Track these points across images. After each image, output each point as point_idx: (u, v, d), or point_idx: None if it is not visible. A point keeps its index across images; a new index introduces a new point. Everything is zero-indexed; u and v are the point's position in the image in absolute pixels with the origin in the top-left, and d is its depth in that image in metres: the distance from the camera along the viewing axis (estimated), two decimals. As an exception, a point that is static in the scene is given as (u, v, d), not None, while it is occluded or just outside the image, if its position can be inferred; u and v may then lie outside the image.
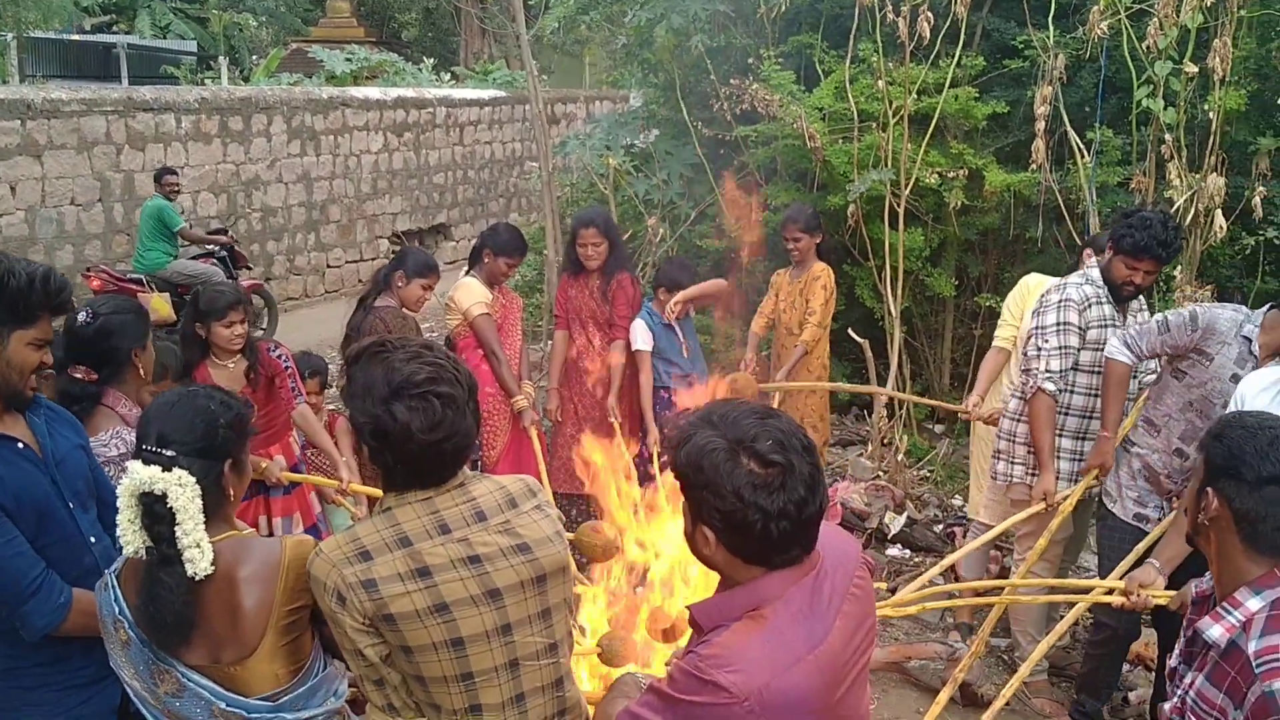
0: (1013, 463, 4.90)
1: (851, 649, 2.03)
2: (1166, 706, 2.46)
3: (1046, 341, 4.62)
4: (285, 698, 2.44)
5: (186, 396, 2.50)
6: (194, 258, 10.25)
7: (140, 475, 2.32)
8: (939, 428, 8.09)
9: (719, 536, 1.95)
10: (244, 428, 2.53)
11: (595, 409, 5.95)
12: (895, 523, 6.46)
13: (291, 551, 2.40)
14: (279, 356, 4.82)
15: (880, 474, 7.17)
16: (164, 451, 2.35)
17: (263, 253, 12.65)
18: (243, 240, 11.94)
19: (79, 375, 3.32)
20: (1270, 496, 2.22)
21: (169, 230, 9.79)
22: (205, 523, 2.34)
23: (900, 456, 7.11)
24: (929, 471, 7.37)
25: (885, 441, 7.34)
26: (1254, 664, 2.14)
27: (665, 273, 6.02)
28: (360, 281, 14.12)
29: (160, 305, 9.33)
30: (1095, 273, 4.67)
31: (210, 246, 10.47)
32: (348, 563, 2.16)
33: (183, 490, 2.31)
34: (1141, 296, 4.80)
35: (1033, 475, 4.78)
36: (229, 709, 2.39)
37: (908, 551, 6.38)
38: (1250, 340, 4.10)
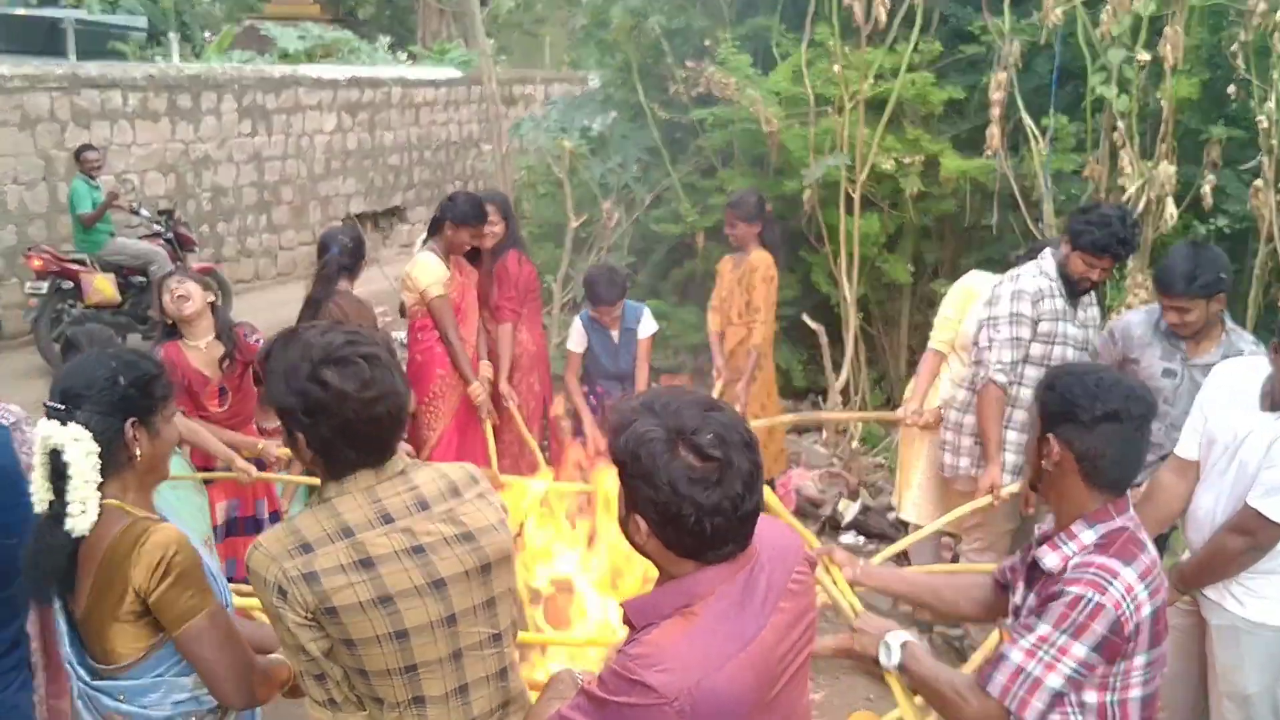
0: (959, 454, 4.89)
1: (787, 645, 2.01)
2: (1007, 621, 2.68)
3: (999, 332, 4.58)
4: (104, 681, 2.43)
5: (95, 356, 2.52)
6: (141, 238, 10.05)
7: (42, 430, 2.36)
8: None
9: (652, 527, 1.92)
10: (153, 389, 2.50)
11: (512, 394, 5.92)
12: (849, 510, 6.47)
13: (113, 540, 2.37)
14: (256, 341, 4.76)
15: (835, 461, 7.18)
16: (61, 406, 2.38)
17: (213, 234, 12.46)
18: (192, 221, 11.74)
19: None
20: (1105, 433, 2.45)
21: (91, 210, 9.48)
22: (103, 481, 2.38)
23: (855, 444, 7.12)
24: (883, 458, 7.36)
25: (840, 429, 7.34)
26: (1067, 572, 2.44)
27: (590, 289, 5.81)
28: (313, 264, 13.92)
29: (104, 286, 9.17)
30: (1049, 264, 4.63)
31: (156, 227, 10.26)
32: (288, 555, 2.09)
33: (77, 445, 2.33)
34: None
35: (978, 467, 4.78)
36: (67, 654, 2.47)
37: (862, 538, 6.39)
38: (1172, 334, 4.17)
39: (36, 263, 9.12)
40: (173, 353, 4.60)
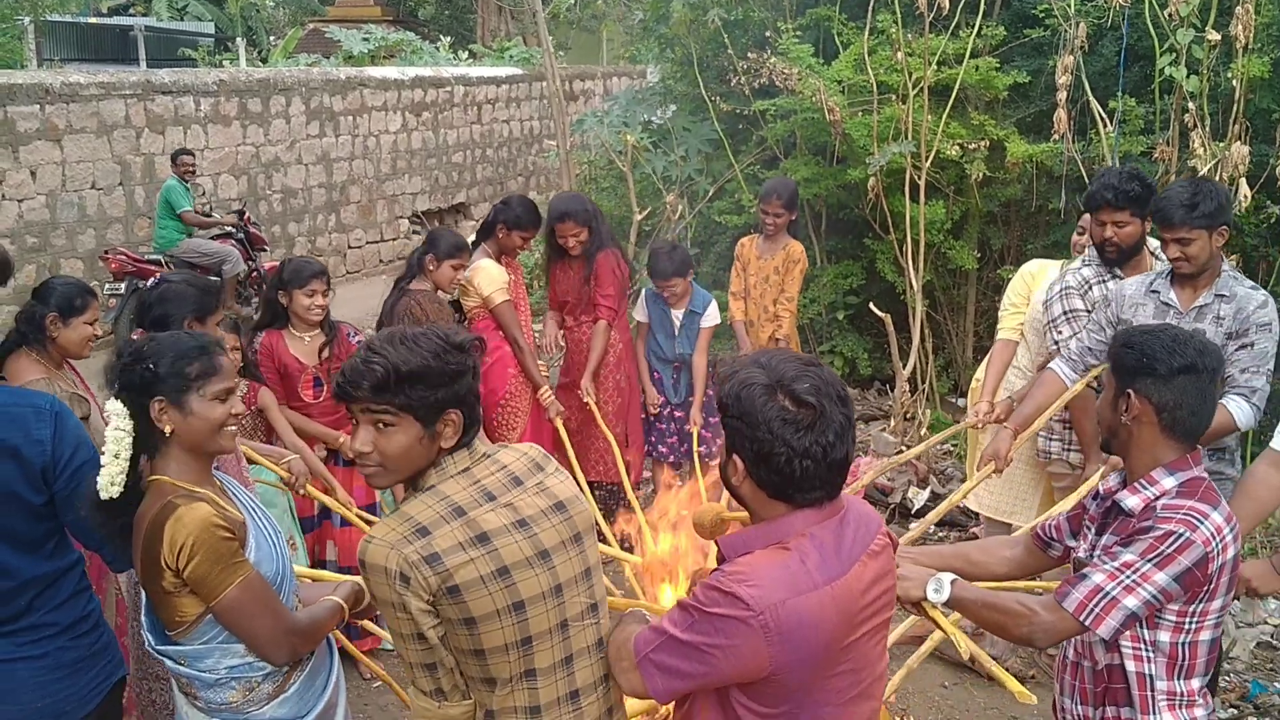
0: (1050, 438, 4.83)
1: (869, 598, 2.15)
2: (1081, 555, 2.79)
3: (1060, 333, 4.58)
4: (167, 646, 2.56)
5: (142, 340, 2.68)
6: (214, 238, 10.29)
7: (108, 407, 2.55)
8: (962, 401, 8.06)
9: (747, 468, 2.10)
10: (184, 369, 2.58)
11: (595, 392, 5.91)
12: (919, 498, 6.46)
13: (151, 518, 2.46)
14: (357, 342, 4.87)
15: (903, 449, 7.15)
16: (115, 386, 2.56)
17: (284, 234, 12.68)
18: (264, 222, 11.98)
19: None
20: (1182, 385, 2.58)
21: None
22: (149, 457, 2.54)
23: (923, 431, 7.09)
24: (953, 446, 7.34)
25: (908, 416, 7.32)
26: (1157, 511, 2.55)
27: (651, 261, 5.91)
28: (381, 262, 14.18)
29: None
30: (1092, 251, 4.61)
31: (227, 227, 10.51)
32: (406, 541, 2.17)
33: (114, 418, 2.51)
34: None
35: (1069, 450, 4.74)
36: (143, 620, 2.63)
37: (931, 526, 6.36)
38: (1158, 292, 4.08)
39: (113, 264, 9.40)
40: (272, 339, 4.75)
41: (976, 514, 5.87)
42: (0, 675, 2.75)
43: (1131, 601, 2.47)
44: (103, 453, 2.49)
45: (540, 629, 2.26)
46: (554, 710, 2.30)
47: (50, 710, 2.79)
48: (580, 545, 2.36)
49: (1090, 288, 4.55)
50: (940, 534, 6.26)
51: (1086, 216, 4.96)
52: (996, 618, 2.62)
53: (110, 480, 2.47)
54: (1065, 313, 4.58)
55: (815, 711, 2.12)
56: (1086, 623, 2.50)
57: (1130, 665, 2.59)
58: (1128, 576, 2.48)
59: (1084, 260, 4.65)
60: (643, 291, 6.11)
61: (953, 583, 2.62)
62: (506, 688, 2.26)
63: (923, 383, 7.53)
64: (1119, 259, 4.51)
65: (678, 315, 5.93)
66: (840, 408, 2.07)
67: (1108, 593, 2.49)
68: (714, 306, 5.98)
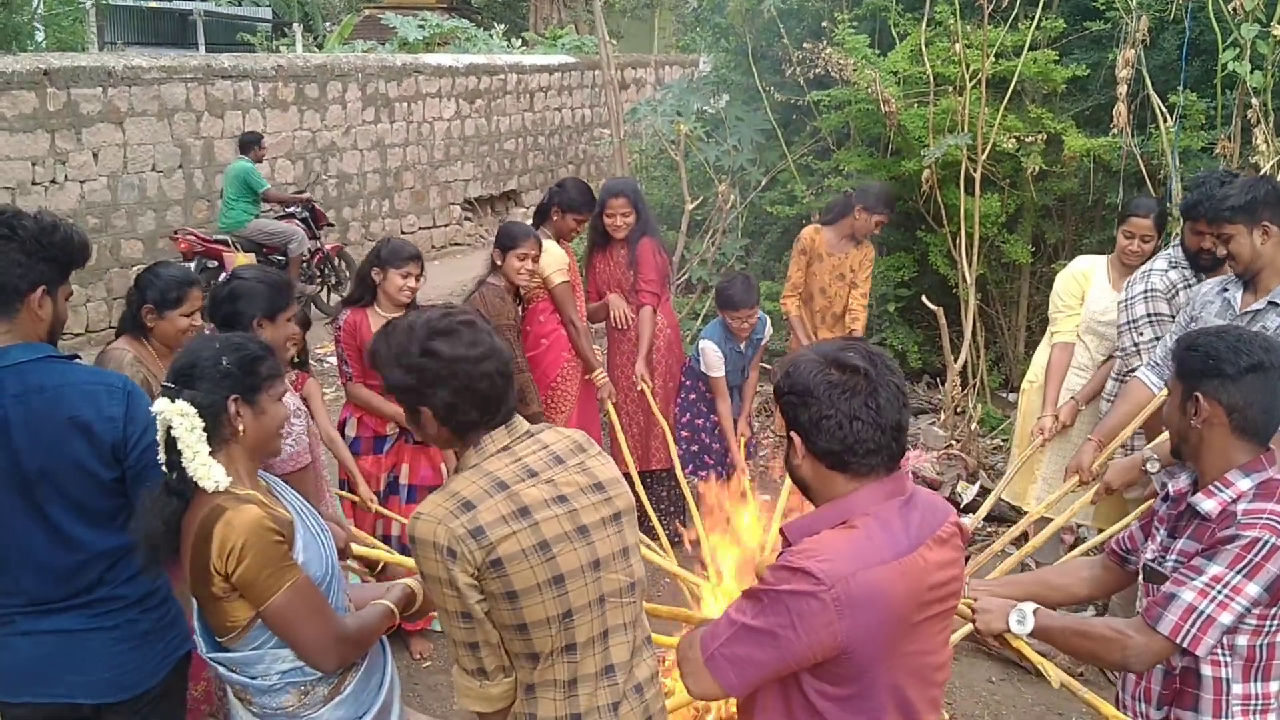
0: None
1: (936, 580, 2.16)
2: (1149, 557, 2.75)
3: (1141, 336, 4.49)
4: (219, 653, 2.57)
5: (202, 340, 2.69)
6: (277, 218, 10.46)
7: (155, 407, 2.50)
8: (1013, 396, 8.02)
9: (805, 443, 2.15)
10: (257, 368, 2.61)
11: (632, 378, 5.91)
12: (968, 492, 6.43)
13: (200, 521, 2.45)
14: None
15: (953, 443, 7.12)
16: (172, 385, 2.52)
17: (339, 219, 12.79)
18: (319, 207, 12.13)
19: None
20: (1251, 384, 2.53)
21: (253, 191, 10.07)
22: (211, 451, 2.49)
23: (973, 425, 7.05)
24: (1002, 440, 7.30)
25: (958, 410, 7.28)
26: (1238, 517, 2.50)
27: (725, 296, 5.70)
28: (434, 248, 14.28)
29: (245, 264, 9.54)
30: (1178, 252, 4.50)
31: (292, 208, 10.68)
32: (453, 516, 2.24)
33: (183, 419, 2.46)
34: None
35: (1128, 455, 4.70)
36: (196, 624, 2.62)
37: (980, 521, 6.33)
38: (1227, 290, 3.97)
39: (183, 244, 9.58)
40: (357, 317, 4.81)
41: (1018, 509, 5.86)
42: (73, 646, 2.82)
43: (1226, 617, 2.46)
44: (185, 455, 2.46)
45: (580, 603, 2.32)
46: (590, 684, 2.36)
47: (119, 681, 2.85)
48: (619, 524, 2.42)
49: (1177, 292, 4.45)
50: (990, 529, 6.23)
51: (1133, 219, 4.89)
52: (1087, 645, 2.61)
53: (209, 473, 2.45)
54: (1149, 315, 4.48)
55: (885, 694, 2.13)
56: (1184, 644, 2.48)
57: (1207, 670, 2.56)
58: (1219, 592, 2.46)
59: (1170, 262, 4.53)
60: (703, 344, 5.83)
61: (1035, 612, 2.61)
62: (548, 661, 2.32)
63: (973, 377, 7.48)
64: (1213, 265, 4.39)
65: (744, 347, 5.84)
66: (890, 375, 2.13)
67: (1202, 611, 2.46)
68: (768, 322, 5.97)
